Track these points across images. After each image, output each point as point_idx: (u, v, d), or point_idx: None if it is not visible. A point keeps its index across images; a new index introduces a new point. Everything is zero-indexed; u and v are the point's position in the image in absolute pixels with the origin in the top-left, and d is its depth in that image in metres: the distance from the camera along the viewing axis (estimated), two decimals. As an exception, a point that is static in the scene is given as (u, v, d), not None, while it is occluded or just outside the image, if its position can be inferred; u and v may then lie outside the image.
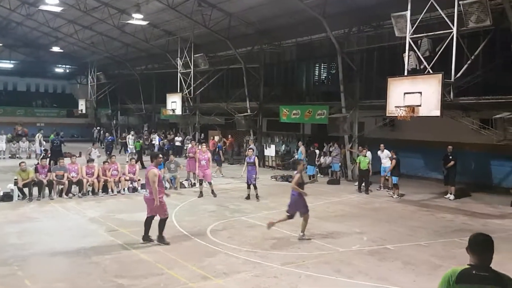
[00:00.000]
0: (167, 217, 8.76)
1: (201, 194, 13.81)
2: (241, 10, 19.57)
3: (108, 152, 23.20)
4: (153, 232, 8.67)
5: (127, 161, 18.50)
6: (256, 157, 13.98)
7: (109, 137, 26.49)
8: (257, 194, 13.56)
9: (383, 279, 7.00)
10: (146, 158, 21.27)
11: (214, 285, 6.67)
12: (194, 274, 7.06)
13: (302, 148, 18.48)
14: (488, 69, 14.11)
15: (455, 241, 9.31)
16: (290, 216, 9.18)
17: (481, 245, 3.04)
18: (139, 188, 14.53)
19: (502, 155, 15.06)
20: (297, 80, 23.87)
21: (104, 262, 7.61)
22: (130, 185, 14.53)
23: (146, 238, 8.65)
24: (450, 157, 14.40)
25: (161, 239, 8.59)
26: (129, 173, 14.69)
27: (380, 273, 7.28)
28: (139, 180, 14.71)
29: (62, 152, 19.56)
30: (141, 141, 24.31)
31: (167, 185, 15.27)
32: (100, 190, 13.88)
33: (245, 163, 14.12)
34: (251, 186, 13.57)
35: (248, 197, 13.55)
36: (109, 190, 14.03)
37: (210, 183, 13.99)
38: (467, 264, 3.05)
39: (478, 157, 16.56)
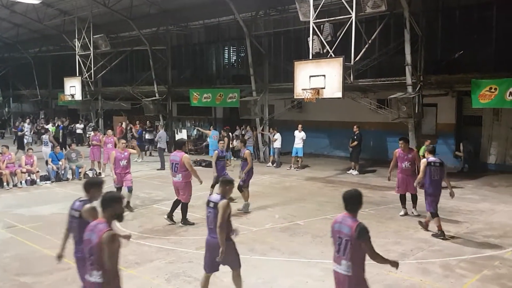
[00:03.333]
0: (188, 202, 9.08)
1: (129, 207, 10.11)
2: (143, -11, 18.73)
3: None
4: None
5: (25, 152, 16.99)
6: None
7: None
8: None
9: (295, 253, 7.33)
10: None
11: (126, 275, 6.40)
12: (104, 266, 6.74)
13: (213, 132, 18.44)
14: (383, 52, 15.21)
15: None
16: None
17: None
18: (38, 180, 13.56)
19: (396, 131, 16.29)
20: (206, 63, 23.60)
21: (4, 261, 7.05)
22: (28, 178, 13.48)
23: (170, 218, 9.16)
24: (355, 137, 15.44)
25: (186, 221, 9.03)
26: (26, 164, 13.53)
27: (292, 248, 7.61)
28: (37, 172, 13.66)
29: None
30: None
31: (70, 176, 14.38)
32: (-6, 184, 12.73)
33: (215, 157, 10.45)
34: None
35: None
36: (4, 183, 12.91)
37: (131, 190, 10.37)
38: None
39: (376, 135, 17.91)
